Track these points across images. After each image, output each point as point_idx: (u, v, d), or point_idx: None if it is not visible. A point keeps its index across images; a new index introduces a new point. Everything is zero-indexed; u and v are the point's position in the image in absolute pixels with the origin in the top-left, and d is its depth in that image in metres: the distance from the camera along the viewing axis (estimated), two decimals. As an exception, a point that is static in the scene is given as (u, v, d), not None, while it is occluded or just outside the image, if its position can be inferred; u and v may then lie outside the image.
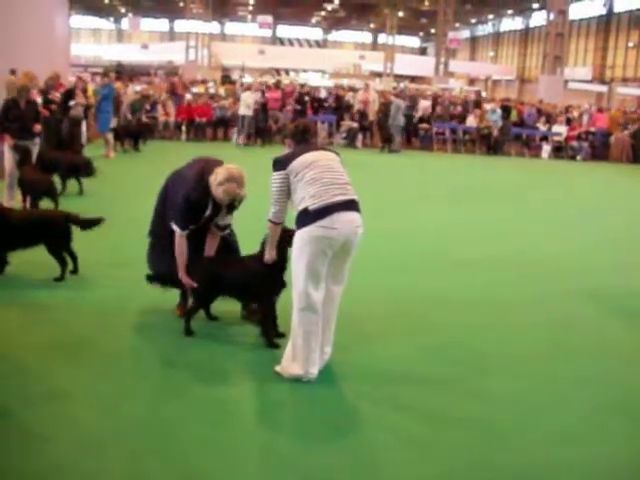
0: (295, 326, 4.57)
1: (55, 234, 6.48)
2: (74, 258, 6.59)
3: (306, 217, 4.43)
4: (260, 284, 5.08)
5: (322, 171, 4.52)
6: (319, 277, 4.48)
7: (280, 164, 4.61)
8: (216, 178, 5.04)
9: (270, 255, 4.93)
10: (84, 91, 15.26)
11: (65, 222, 6.57)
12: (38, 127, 9.32)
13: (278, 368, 4.66)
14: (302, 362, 4.54)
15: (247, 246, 5.60)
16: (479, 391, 4.65)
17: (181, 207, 5.18)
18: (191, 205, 5.15)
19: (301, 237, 4.45)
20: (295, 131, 4.95)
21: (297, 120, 19.40)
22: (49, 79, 12.72)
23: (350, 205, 4.51)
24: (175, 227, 5.24)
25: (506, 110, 22.77)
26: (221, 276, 5.26)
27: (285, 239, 4.90)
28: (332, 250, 4.44)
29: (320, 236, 4.38)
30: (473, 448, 3.90)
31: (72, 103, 14.40)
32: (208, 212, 5.22)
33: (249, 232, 5.71)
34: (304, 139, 4.87)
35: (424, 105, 23.25)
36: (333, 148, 5.09)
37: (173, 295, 5.67)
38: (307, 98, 21.23)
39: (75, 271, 6.60)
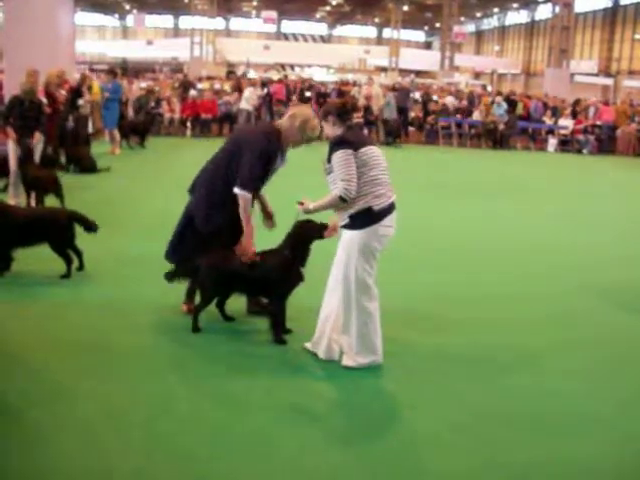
0: (354, 319, 4.67)
1: (58, 232, 6.48)
2: (79, 255, 6.60)
3: (369, 217, 4.56)
4: (275, 280, 5.04)
5: (382, 171, 4.66)
6: (374, 270, 4.70)
7: (351, 144, 4.56)
8: (295, 121, 5.13)
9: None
10: (89, 88, 15.24)
11: (68, 220, 6.58)
12: (36, 139, 9.35)
13: (349, 362, 4.72)
14: (372, 349, 4.72)
15: (264, 240, 5.56)
16: (497, 386, 4.64)
17: (253, 165, 5.09)
18: (265, 158, 5.11)
19: (366, 235, 4.57)
20: (343, 108, 4.78)
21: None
22: (53, 77, 12.64)
23: (394, 204, 4.73)
24: (241, 191, 5.10)
25: (512, 104, 22.69)
26: (233, 273, 5.19)
27: (315, 233, 4.96)
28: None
29: (384, 235, 4.63)
30: (488, 444, 3.90)
31: (81, 102, 14.38)
32: (278, 162, 5.26)
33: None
34: (349, 119, 4.80)
35: (450, 100, 23.38)
36: None
37: (179, 292, 5.65)
38: (309, 93, 21.12)
39: (81, 267, 6.60)
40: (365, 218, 4.56)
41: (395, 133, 20.25)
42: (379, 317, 4.75)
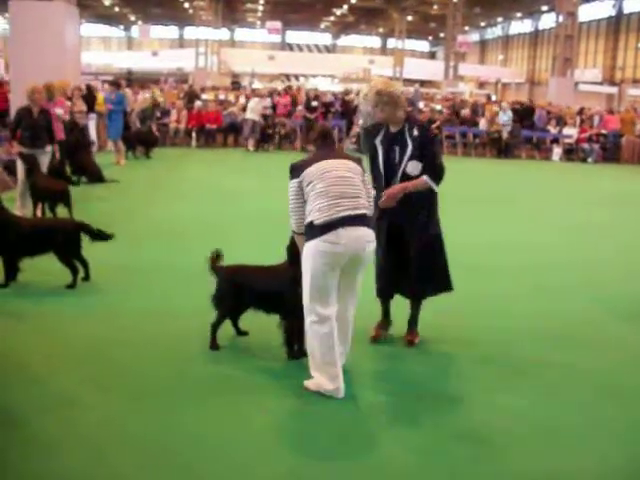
0: (309, 340, 4.48)
1: (65, 242, 6.50)
2: (85, 265, 6.62)
3: (312, 231, 4.36)
4: (288, 294, 4.83)
5: (332, 183, 4.38)
6: (327, 292, 4.38)
7: (294, 171, 4.51)
8: (372, 94, 5.03)
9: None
10: (87, 98, 15.28)
11: (75, 230, 6.60)
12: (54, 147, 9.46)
13: (307, 383, 4.50)
14: (327, 377, 4.41)
15: (267, 253, 5.54)
16: (492, 405, 4.56)
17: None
18: (371, 152, 5.17)
19: (307, 250, 4.39)
20: (316, 135, 4.78)
21: (306, 124, 19.61)
22: (60, 88, 12.74)
23: (359, 220, 4.38)
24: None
25: (523, 112, 22.88)
26: (247, 286, 5.10)
27: None
28: (339, 265, 4.36)
29: (325, 251, 4.30)
30: (481, 460, 3.86)
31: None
32: (380, 137, 5.16)
33: (268, 239, 5.66)
34: (324, 143, 4.70)
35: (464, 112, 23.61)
36: (356, 155, 4.90)
37: (185, 304, 5.62)
38: (316, 103, 21.09)
39: (87, 278, 6.63)
40: (309, 231, 4.39)
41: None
42: (326, 344, 4.37)
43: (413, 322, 5.45)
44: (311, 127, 19.46)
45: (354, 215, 4.36)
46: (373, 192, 4.79)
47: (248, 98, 22.25)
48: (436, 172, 5.09)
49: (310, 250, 4.36)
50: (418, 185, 5.06)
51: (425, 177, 5.05)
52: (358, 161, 4.69)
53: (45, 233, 6.59)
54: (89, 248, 6.67)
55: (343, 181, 4.42)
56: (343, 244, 4.29)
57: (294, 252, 4.78)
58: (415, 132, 5.07)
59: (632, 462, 3.90)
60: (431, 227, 5.26)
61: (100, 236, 6.69)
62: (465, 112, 23.46)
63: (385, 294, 5.47)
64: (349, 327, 4.70)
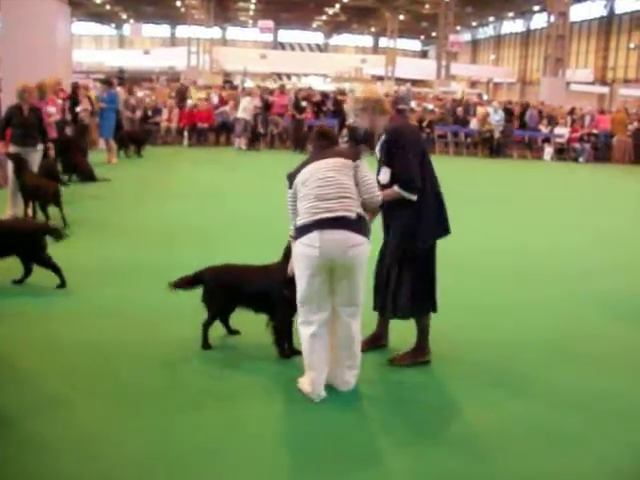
0: (301, 342, 4.46)
1: (28, 244, 6.32)
2: (30, 270, 6.40)
3: (295, 233, 4.35)
4: (276, 294, 4.85)
5: (313, 186, 4.27)
6: (313, 297, 4.29)
7: (289, 181, 4.47)
8: (351, 102, 4.94)
9: (292, 268, 4.60)
10: (88, 97, 15.29)
11: (39, 233, 6.45)
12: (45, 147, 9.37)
13: (299, 380, 4.51)
14: (308, 379, 4.38)
15: (256, 254, 5.53)
16: (489, 409, 4.52)
17: None
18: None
19: (293, 253, 4.41)
20: (313, 137, 4.75)
21: (295, 124, 19.52)
22: (51, 86, 12.70)
23: (338, 223, 4.18)
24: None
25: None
26: (238, 286, 5.10)
27: None
28: (322, 270, 4.22)
29: (303, 253, 4.22)
30: (479, 464, 3.86)
31: (79, 109, 14.47)
32: (379, 144, 4.88)
33: (258, 240, 5.65)
34: (320, 144, 4.60)
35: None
36: (356, 151, 4.69)
37: (173, 305, 5.57)
38: (305, 103, 20.99)
39: (20, 282, 6.37)
40: (295, 234, 4.38)
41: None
42: (316, 350, 4.32)
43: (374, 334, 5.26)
44: (300, 128, 19.62)
45: (332, 218, 4.18)
46: (377, 191, 4.50)
47: (225, 102, 22.12)
48: (402, 179, 4.71)
49: (294, 253, 4.38)
50: (389, 195, 4.68)
51: (395, 187, 4.71)
52: (353, 155, 4.47)
53: (7, 235, 6.38)
54: (81, 248, 6.61)
55: (324, 182, 4.27)
56: (318, 247, 4.15)
57: (287, 253, 4.79)
58: (383, 136, 4.83)
59: (631, 465, 3.90)
60: (394, 233, 4.85)
61: (60, 234, 6.51)
62: (458, 111, 23.48)
63: (375, 307, 5.12)
64: (353, 341, 4.44)
